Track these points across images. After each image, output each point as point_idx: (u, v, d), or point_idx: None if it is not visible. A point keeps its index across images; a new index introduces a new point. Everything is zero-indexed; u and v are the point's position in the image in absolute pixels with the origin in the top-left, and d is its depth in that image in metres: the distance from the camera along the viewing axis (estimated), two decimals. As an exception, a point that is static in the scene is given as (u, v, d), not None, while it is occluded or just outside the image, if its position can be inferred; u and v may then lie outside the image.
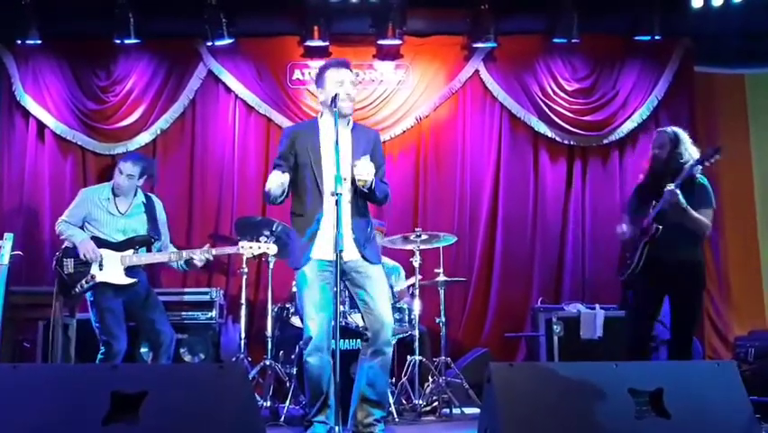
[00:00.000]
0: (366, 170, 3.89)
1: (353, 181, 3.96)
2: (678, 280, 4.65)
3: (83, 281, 4.80)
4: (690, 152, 4.77)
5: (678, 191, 4.52)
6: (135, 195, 5.14)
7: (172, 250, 5.18)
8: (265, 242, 5.18)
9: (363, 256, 4.07)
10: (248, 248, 5.00)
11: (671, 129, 4.88)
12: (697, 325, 4.80)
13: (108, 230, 4.96)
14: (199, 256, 4.99)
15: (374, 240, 4.24)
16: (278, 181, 3.93)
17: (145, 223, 5.08)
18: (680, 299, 4.70)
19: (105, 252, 4.86)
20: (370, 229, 4.20)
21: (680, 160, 4.71)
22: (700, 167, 4.64)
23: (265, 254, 5.12)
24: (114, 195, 5.07)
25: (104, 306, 4.83)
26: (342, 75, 4.10)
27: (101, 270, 4.83)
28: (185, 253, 5.05)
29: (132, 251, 4.91)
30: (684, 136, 4.81)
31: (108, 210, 5.00)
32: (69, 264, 4.85)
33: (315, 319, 3.94)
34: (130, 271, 4.90)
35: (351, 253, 4.02)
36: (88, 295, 4.91)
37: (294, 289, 5.49)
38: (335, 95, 4.00)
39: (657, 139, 4.89)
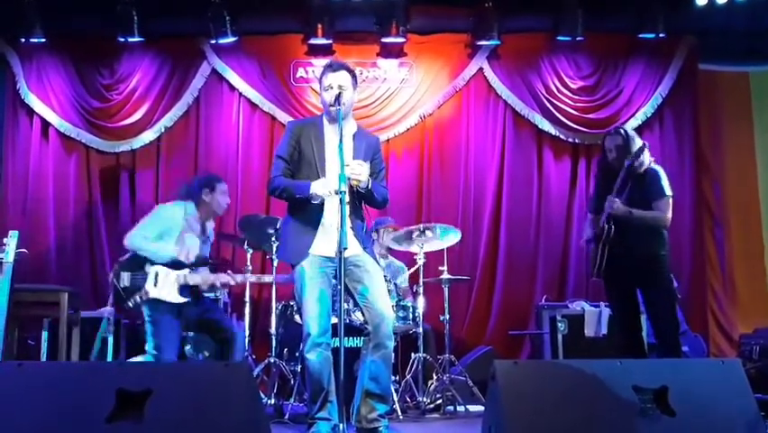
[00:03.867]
0: (359, 171, 3.88)
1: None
2: (640, 276, 4.61)
3: (136, 297, 4.76)
4: (645, 154, 4.70)
5: (616, 200, 4.52)
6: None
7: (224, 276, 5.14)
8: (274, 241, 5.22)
9: (365, 249, 4.10)
10: (283, 279, 5.08)
11: (622, 129, 4.85)
12: (674, 321, 4.63)
13: (186, 250, 4.88)
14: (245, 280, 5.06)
15: (370, 238, 4.25)
16: (323, 190, 3.93)
17: (208, 247, 5.10)
18: (647, 295, 4.65)
19: (161, 268, 4.82)
20: (365, 229, 4.24)
21: (634, 157, 4.64)
22: (638, 164, 4.59)
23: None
24: (201, 219, 5.02)
25: (157, 318, 4.78)
26: (330, 79, 4.07)
27: (155, 286, 4.81)
28: (240, 278, 5.06)
29: (188, 270, 4.87)
30: (634, 135, 4.76)
31: (197, 234, 4.97)
32: (126, 278, 4.80)
33: (314, 316, 3.93)
34: (183, 290, 4.87)
35: (351, 248, 3.98)
36: (144, 309, 4.85)
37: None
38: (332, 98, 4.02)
39: (609, 140, 4.80)
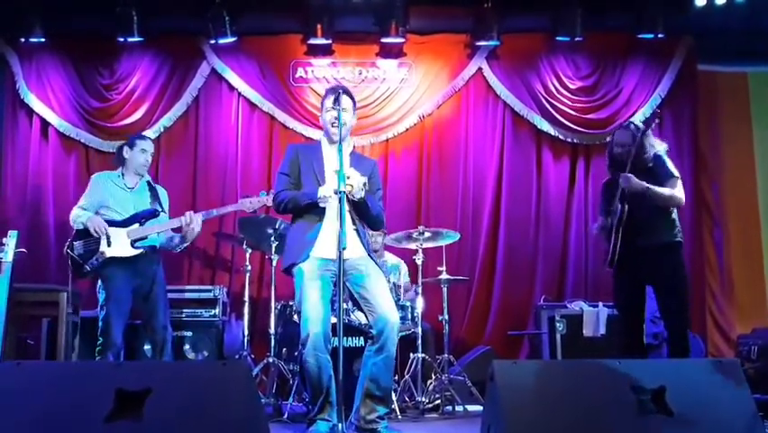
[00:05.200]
0: (352, 176, 3.98)
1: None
2: (656, 265, 4.59)
3: (93, 259, 4.84)
4: (654, 143, 4.75)
5: (631, 175, 4.55)
6: (142, 175, 5.22)
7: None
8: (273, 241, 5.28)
9: (368, 254, 4.18)
10: (248, 203, 5.04)
11: (634, 124, 4.85)
12: (687, 313, 4.65)
13: (121, 207, 5.01)
14: (198, 220, 5.00)
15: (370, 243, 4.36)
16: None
17: (149, 199, 5.13)
18: (662, 286, 4.63)
19: (113, 230, 4.91)
20: (367, 234, 4.32)
21: (644, 154, 4.69)
22: (649, 134, 4.65)
23: (264, 207, 5.11)
24: (124, 175, 5.15)
25: (112, 294, 4.87)
26: (331, 102, 4.23)
27: (109, 246, 4.87)
28: (188, 216, 5.04)
29: (137, 224, 4.96)
30: (648, 130, 4.76)
31: (120, 187, 5.09)
32: (79, 246, 4.90)
33: (313, 319, 3.95)
34: (137, 244, 4.94)
35: (354, 251, 4.07)
36: (99, 284, 4.93)
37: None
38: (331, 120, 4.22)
39: (621, 135, 4.81)
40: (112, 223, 4.94)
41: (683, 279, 4.64)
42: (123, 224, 4.96)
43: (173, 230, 5.10)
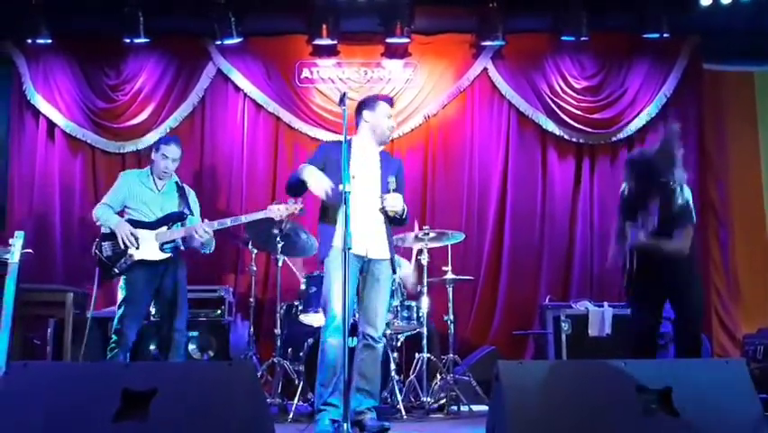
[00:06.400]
0: (394, 203, 4.34)
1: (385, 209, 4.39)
2: (670, 278, 4.56)
3: (121, 262, 4.86)
4: (680, 173, 4.65)
5: (641, 234, 4.53)
6: (168, 176, 5.24)
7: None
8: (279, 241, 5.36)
9: (391, 261, 4.44)
10: (276, 210, 4.99)
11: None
12: (701, 320, 4.64)
13: (149, 208, 5.02)
14: (205, 229, 4.98)
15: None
16: (317, 185, 4.21)
17: (178, 201, 5.14)
18: (677, 298, 4.61)
19: (140, 232, 4.91)
20: (393, 242, 4.58)
21: (672, 183, 4.59)
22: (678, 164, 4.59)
23: (293, 214, 5.05)
24: (153, 175, 5.16)
25: (131, 296, 4.89)
26: (390, 111, 4.64)
27: (137, 249, 4.89)
28: (216, 223, 5.02)
29: (165, 227, 4.97)
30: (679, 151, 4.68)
31: (149, 187, 5.10)
32: (108, 247, 4.91)
33: (337, 301, 4.12)
34: (165, 247, 4.95)
35: (380, 252, 4.40)
36: (122, 282, 4.95)
37: (302, 286, 5.57)
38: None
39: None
40: (140, 224, 4.94)
41: (698, 290, 4.65)
42: (152, 226, 4.96)
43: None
